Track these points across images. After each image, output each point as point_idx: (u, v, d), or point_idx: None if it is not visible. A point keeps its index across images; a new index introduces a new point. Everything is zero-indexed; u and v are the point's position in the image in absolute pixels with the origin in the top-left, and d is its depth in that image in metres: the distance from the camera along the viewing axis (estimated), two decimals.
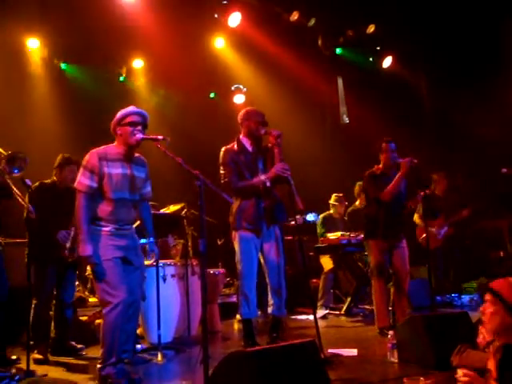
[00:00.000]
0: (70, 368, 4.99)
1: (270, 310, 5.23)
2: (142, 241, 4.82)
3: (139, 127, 4.29)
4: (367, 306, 7.91)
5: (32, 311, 5.27)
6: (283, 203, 5.25)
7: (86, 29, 7.87)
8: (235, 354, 3.36)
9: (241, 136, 5.29)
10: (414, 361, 4.38)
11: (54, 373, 4.80)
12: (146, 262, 5.29)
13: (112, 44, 8.66)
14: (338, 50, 9.89)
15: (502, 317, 2.54)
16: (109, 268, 4.15)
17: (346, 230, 8.01)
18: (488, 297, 2.69)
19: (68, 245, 5.19)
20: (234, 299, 7.89)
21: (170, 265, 5.99)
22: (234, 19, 8.52)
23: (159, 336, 5.27)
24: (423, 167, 6.01)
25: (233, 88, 10.41)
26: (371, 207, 5.98)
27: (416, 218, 7.67)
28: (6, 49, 8.06)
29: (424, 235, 7.08)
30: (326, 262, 7.91)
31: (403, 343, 4.50)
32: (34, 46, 8.52)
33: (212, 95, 11.03)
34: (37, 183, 5.32)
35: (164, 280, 5.75)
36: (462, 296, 7.95)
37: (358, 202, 8.25)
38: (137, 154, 4.50)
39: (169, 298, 5.76)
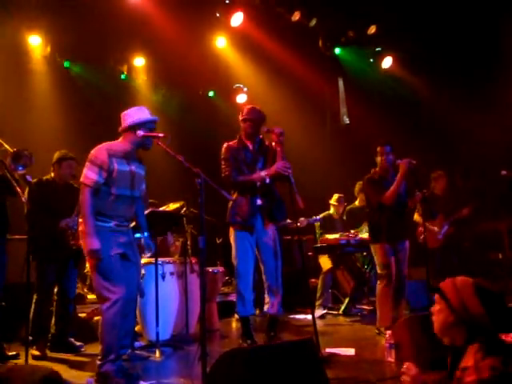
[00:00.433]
0: (68, 364, 5.00)
1: (265, 308, 5.26)
2: (137, 235, 4.82)
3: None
4: (365, 306, 7.94)
5: (32, 307, 5.29)
6: (283, 202, 5.27)
7: (88, 26, 7.88)
8: (233, 351, 3.37)
9: (242, 134, 5.33)
10: (411, 361, 4.39)
11: None
12: (144, 260, 5.32)
13: (114, 42, 8.69)
14: (338, 51, 9.88)
15: (446, 316, 2.56)
16: (109, 264, 4.17)
17: (345, 230, 8.03)
18: (436, 296, 2.70)
19: (72, 231, 5.19)
20: (233, 298, 7.87)
21: (168, 262, 5.99)
22: (237, 19, 8.52)
23: (157, 333, 5.29)
24: (422, 168, 6.02)
25: (234, 87, 10.41)
26: (374, 212, 5.98)
27: (416, 216, 7.67)
28: (8, 45, 8.07)
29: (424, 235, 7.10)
30: (325, 262, 7.92)
31: (401, 343, 4.51)
32: (35, 42, 8.53)
33: (211, 94, 11.05)
34: (35, 179, 5.33)
35: (163, 278, 5.76)
36: None
37: (357, 202, 8.27)
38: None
39: (167, 296, 5.76)
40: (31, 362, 4.79)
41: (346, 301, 7.77)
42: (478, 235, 8.89)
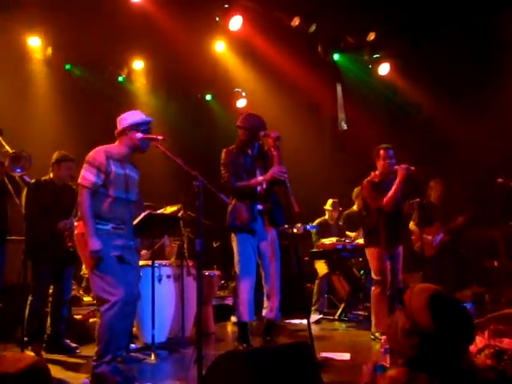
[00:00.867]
0: (64, 366, 4.99)
1: (264, 312, 5.26)
2: None
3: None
4: (361, 312, 7.94)
5: (27, 308, 5.29)
6: (282, 207, 5.28)
7: (88, 29, 7.89)
8: (229, 353, 3.37)
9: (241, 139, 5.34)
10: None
11: None
12: (140, 263, 5.33)
13: (113, 45, 8.69)
14: (336, 57, 9.91)
15: (403, 322, 2.48)
16: (108, 266, 4.17)
17: (341, 235, 8.05)
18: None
19: (69, 233, 5.19)
20: (229, 302, 7.91)
21: (165, 265, 6.00)
22: (235, 23, 8.50)
23: (153, 336, 5.29)
24: (420, 174, 6.03)
25: (235, 91, 10.43)
26: (371, 216, 5.97)
27: (412, 225, 7.69)
28: (8, 47, 8.07)
29: (419, 242, 7.11)
30: (321, 267, 7.94)
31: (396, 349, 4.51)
32: (35, 44, 8.54)
33: (209, 98, 11.07)
34: (34, 180, 5.33)
35: (159, 280, 5.76)
36: None
37: (355, 206, 8.29)
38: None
39: (163, 299, 5.76)
40: None
41: (342, 306, 7.78)
42: (474, 242, 8.91)
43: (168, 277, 5.94)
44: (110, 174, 4.23)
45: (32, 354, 5.19)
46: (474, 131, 8.54)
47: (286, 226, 6.53)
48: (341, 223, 8.46)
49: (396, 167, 5.77)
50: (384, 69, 9.81)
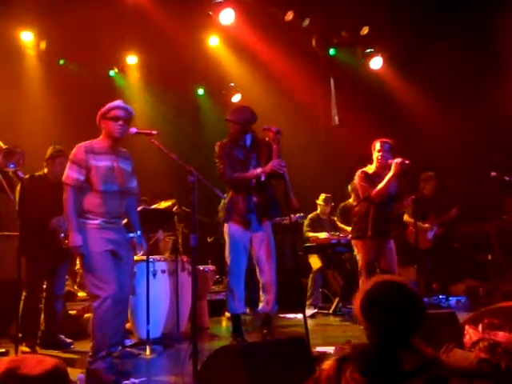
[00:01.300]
0: None
1: (260, 306, 5.26)
2: (130, 235, 4.83)
3: (121, 122, 4.30)
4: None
5: (22, 303, 5.28)
6: (278, 200, 5.29)
7: (81, 23, 7.84)
8: (224, 348, 3.38)
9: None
10: None
11: None
12: (136, 258, 5.32)
13: (106, 39, 8.64)
14: (332, 51, 9.89)
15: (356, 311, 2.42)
16: (98, 261, 4.16)
17: (333, 229, 8.07)
18: None
19: (63, 229, 5.17)
20: (223, 296, 7.91)
21: (160, 260, 6.00)
22: (227, 16, 8.37)
23: (148, 331, 5.28)
24: (413, 169, 6.04)
25: (230, 86, 10.43)
26: (361, 206, 6.01)
27: (406, 217, 7.71)
28: (0, 42, 8.04)
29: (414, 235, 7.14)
30: (315, 262, 7.96)
31: None
32: (28, 39, 8.48)
33: (201, 92, 11.05)
34: (27, 175, 5.31)
35: (154, 275, 5.76)
36: (450, 298, 8.01)
37: (351, 199, 8.29)
38: (123, 149, 4.53)
39: (158, 294, 5.76)
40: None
41: (336, 300, 7.80)
42: (468, 236, 8.94)
43: (163, 272, 5.94)
44: (91, 168, 4.22)
45: (27, 349, 5.20)
46: (466, 125, 8.57)
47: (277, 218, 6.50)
48: (334, 218, 8.48)
49: (390, 161, 5.79)
50: (376, 63, 9.77)
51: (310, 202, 8.55)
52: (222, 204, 5.34)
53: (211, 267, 6.90)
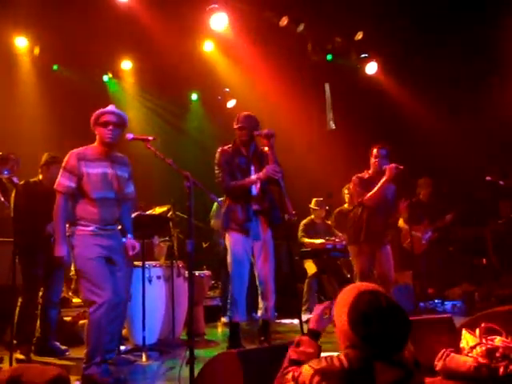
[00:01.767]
0: None
1: (259, 313, 5.24)
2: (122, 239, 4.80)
3: (110, 127, 4.30)
4: None
5: (17, 310, 5.25)
6: (278, 206, 5.25)
7: (76, 30, 7.85)
8: (221, 355, 3.37)
9: (237, 139, 5.30)
10: None
11: None
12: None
13: (100, 45, 8.63)
14: (329, 57, 9.91)
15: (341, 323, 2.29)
16: (93, 267, 4.16)
17: (328, 234, 8.06)
18: None
19: None
20: (219, 302, 7.89)
21: (155, 266, 5.97)
22: (219, 21, 8.31)
23: (144, 337, 5.27)
24: (409, 174, 6.05)
25: (225, 91, 10.43)
26: (355, 211, 6.02)
27: (401, 222, 7.73)
28: None
29: (409, 240, 7.15)
30: (310, 267, 7.94)
31: None
32: (22, 44, 8.47)
33: (195, 97, 11.04)
34: (22, 181, 5.29)
35: (149, 281, 5.74)
36: (446, 302, 8.01)
37: (346, 204, 8.30)
38: (120, 154, 4.52)
39: (154, 300, 5.74)
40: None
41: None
42: (463, 241, 8.96)
43: (158, 278, 5.91)
44: (83, 176, 4.23)
45: (21, 356, 5.17)
46: (461, 130, 8.59)
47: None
48: (329, 222, 8.47)
49: (385, 166, 5.80)
50: (371, 68, 9.80)
51: (305, 207, 8.54)
52: (213, 210, 5.32)
53: (207, 272, 6.87)
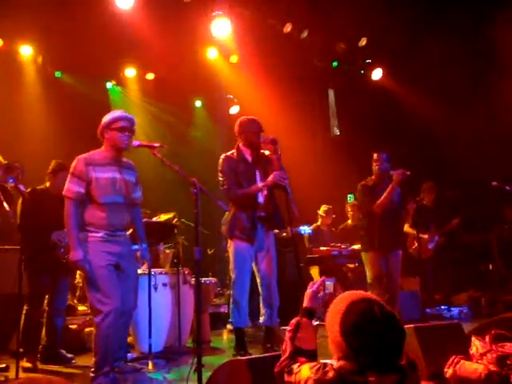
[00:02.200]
0: (59, 376, 4.91)
1: (261, 319, 5.22)
2: (134, 247, 4.80)
3: (127, 133, 4.29)
4: None
5: (23, 318, 5.23)
6: (280, 211, 5.24)
7: (80, 37, 7.86)
8: (231, 362, 3.34)
9: (240, 145, 5.27)
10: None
11: None
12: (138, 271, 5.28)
13: (104, 52, 8.64)
14: (335, 63, 9.91)
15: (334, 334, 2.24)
16: (101, 275, 4.13)
17: (333, 241, 8.05)
18: None
19: (63, 244, 5.13)
20: (224, 309, 7.85)
21: (161, 273, 5.95)
22: (221, 28, 8.31)
23: (150, 345, 5.24)
24: (414, 179, 6.06)
25: (227, 97, 10.43)
26: (366, 219, 6.00)
27: (406, 227, 7.71)
28: None
29: (415, 245, 7.14)
30: (316, 273, 7.92)
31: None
32: (26, 53, 8.49)
33: (199, 104, 11.05)
34: (29, 189, 5.28)
35: (155, 289, 5.71)
36: (452, 308, 7.97)
37: (350, 220, 8.34)
38: (125, 159, 4.51)
39: (160, 307, 5.70)
40: (21, 374, 4.73)
41: None
42: (469, 246, 8.93)
43: (164, 285, 5.88)
44: (91, 181, 4.20)
45: (28, 364, 5.14)
46: (468, 135, 8.57)
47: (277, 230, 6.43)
48: (333, 229, 8.49)
49: (392, 172, 5.81)
50: (377, 74, 9.82)
51: (309, 214, 8.54)
52: (225, 217, 5.30)
53: (213, 279, 6.84)
